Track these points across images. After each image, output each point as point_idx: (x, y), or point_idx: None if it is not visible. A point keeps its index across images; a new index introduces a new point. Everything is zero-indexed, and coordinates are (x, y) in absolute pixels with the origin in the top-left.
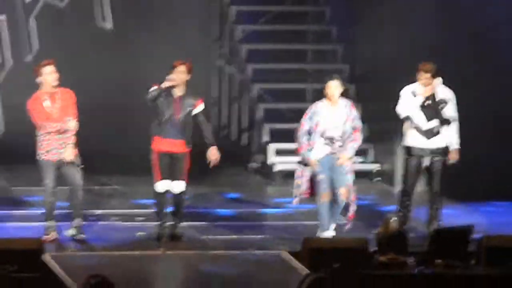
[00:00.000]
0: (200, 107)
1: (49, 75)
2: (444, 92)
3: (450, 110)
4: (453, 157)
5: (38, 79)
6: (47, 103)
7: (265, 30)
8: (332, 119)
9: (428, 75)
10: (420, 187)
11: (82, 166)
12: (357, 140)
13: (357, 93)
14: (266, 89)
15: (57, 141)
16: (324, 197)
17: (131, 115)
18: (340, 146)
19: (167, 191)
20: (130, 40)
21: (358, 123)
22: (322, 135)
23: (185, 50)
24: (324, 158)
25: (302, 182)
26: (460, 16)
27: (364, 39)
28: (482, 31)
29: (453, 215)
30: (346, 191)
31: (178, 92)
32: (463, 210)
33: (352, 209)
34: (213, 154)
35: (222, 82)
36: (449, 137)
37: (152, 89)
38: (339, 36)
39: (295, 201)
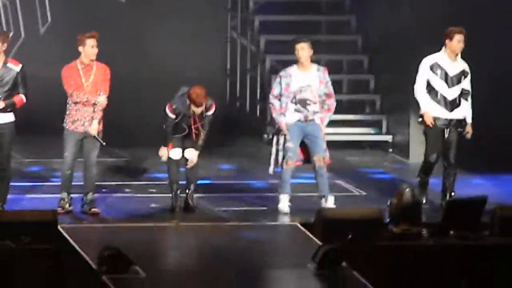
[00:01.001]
0: (212, 111)
1: (90, 47)
2: (463, 64)
3: (468, 83)
4: (469, 131)
5: (80, 48)
6: (82, 74)
7: (278, 1)
8: (304, 81)
9: (463, 37)
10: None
11: (105, 143)
12: (331, 109)
13: (370, 64)
14: (279, 61)
15: (84, 113)
16: (289, 164)
17: (144, 87)
18: (315, 112)
19: (179, 160)
20: (143, 12)
21: (331, 89)
22: (293, 99)
23: (198, 21)
24: (295, 125)
25: (277, 149)
26: None
27: (378, 9)
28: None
29: (471, 186)
30: (322, 158)
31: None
32: (481, 180)
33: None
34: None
35: (235, 54)
36: (465, 110)
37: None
38: (352, 6)
39: (270, 169)
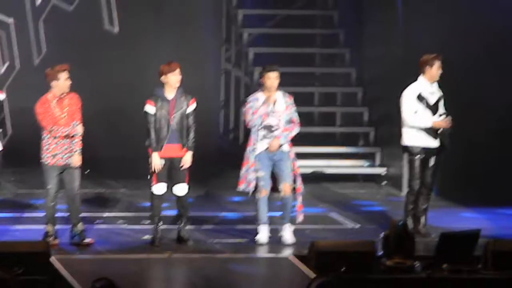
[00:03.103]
0: (192, 106)
1: (64, 80)
2: (438, 89)
3: (442, 106)
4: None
5: (53, 83)
6: (55, 108)
7: (273, 33)
8: (270, 107)
9: (441, 63)
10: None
11: (88, 171)
12: (292, 130)
13: (364, 96)
14: None
15: (64, 145)
16: (262, 193)
17: (137, 118)
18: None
19: (163, 195)
20: (136, 44)
21: (295, 115)
22: (260, 125)
23: (192, 53)
24: (263, 153)
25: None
26: (468, 16)
27: (372, 42)
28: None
29: (461, 219)
30: (288, 186)
31: (172, 94)
32: (471, 214)
33: (299, 201)
34: (186, 160)
35: (229, 86)
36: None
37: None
38: (346, 39)
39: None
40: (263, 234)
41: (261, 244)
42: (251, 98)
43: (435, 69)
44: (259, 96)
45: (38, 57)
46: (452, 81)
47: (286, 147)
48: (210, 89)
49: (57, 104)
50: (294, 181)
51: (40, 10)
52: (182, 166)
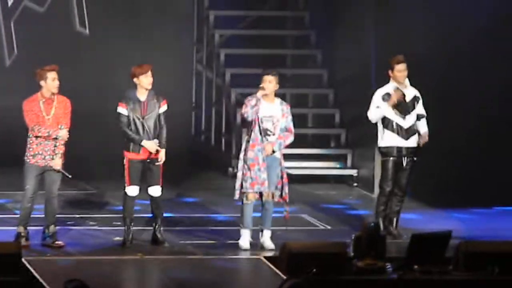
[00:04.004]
0: (164, 107)
1: (52, 80)
2: (413, 90)
3: (421, 107)
4: (424, 139)
5: (41, 82)
6: (42, 108)
7: (244, 35)
8: (268, 111)
9: (405, 65)
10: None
11: (71, 176)
12: (287, 138)
13: (335, 98)
14: (245, 94)
15: (46, 147)
16: (249, 197)
17: (108, 120)
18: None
19: (136, 197)
20: (107, 45)
21: (291, 124)
22: (259, 125)
23: (163, 55)
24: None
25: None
26: (443, 18)
27: (343, 44)
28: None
29: (432, 221)
30: (271, 193)
31: (144, 95)
32: (440, 216)
33: (286, 209)
34: (160, 156)
35: (201, 87)
36: (420, 125)
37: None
38: (318, 41)
39: (236, 195)
40: (245, 239)
41: (245, 249)
42: (250, 97)
43: (396, 73)
44: (260, 99)
45: (9, 58)
46: (427, 83)
47: (278, 154)
48: (181, 90)
49: (44, 105)
50: (282, 189)
51: (11, 11)
52: (156, 165)
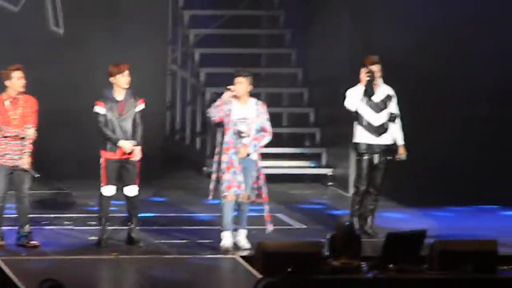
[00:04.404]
0: (140, 106)
1: (17, 80)
2: (387, 89)
3: (394, 106)
4: (402, 153)
5: (6, 82)
6: (8, 108)
7: (219, 34)
8: (241, 113)
9: (379, 66)
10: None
11: (39, 175)
12: (262, 139)
13: (310, 97)
14: (220, 93)
15: (13, 146)
16: (228, 198)
17: (84, 120)
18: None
19: (112, 196)
20: (82, 45)
21: (268, 124)
22: (233, 127)
23: (138, 55)
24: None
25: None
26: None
27: (318, 43)
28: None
29: (406, 220)
30: (247, 196)
31: (121, 95)
32: (416, 215)
33: (266, 210)
34: (135, 154)
35: (176, 87)
36: (395, 133)
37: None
38: (292, 40)
39: (210, 195)
40: (227, 240)
41: (226, 250)
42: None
43: (363, 72)
44: (233, 101)
45: None
46: (404, 82)
47: (254, 156)
48: (156, 90)
49: (11, 104)
50: (260, 189)
51: None
52: (133, 165)
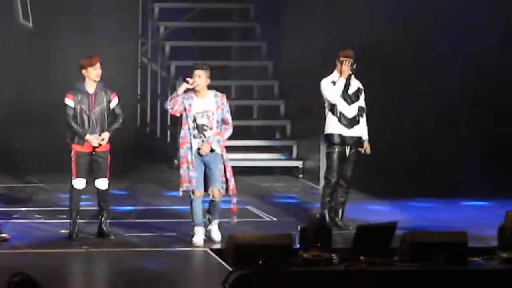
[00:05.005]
0: (115, 100)
1: None
2: (358, 82)
3: (363, 101)
4: (367, 148)
5: None
6: None
7: (189, 27)
8: (202, 107)
9: (351, 60)
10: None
11: None
12: (225, 133)
13: (280, 89)
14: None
15: None
16: (196, 193)
17: (54, 112)
18: (210, 137)
19: (83, 190)
20: (52, 38)
21: (228, 115)
22: (193, 122)
23: (108, 47)
24: (195, 153)
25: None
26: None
27: (288, 36)
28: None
29: (377, 212)
30: (217, 191)
31: (92, 88)
32: (387, 207)
33: (233, 202)
34: (103, 137)
35: (146, 80)
36: (362, 128)
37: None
38: (263, 33)
39: (180, 192)
40: (198, 236)
41: (199, 246)
42: (184, 95)
43: (340, 65)
44: (192, 94)
45: None
46: (373, 75)
47: (218, 150)
48: (126, 83)
49: None
50: (227, 182)
51: None
52: (103, 157)
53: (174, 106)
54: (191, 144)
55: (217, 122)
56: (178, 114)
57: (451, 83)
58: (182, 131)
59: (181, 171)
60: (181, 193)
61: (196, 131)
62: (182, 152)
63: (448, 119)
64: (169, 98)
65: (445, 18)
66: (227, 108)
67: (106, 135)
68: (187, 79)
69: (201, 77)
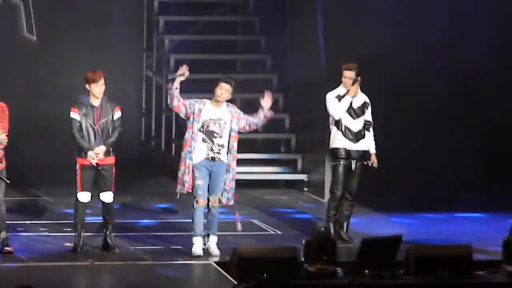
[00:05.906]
0: (118, 113)
1: None
2: (364, 96)
3: (369, 114)
4: (374, 161)
5: None
6: None
7: (194, 40)
8: (215, 114)
9: (353, 73)
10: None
11: (8, 181)
12: (234, 146)
13: (285, 103)
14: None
15: None
16: (199, 202)
17: (59, 125)
18: (220, 146)
19: (87, 203)
20: (56, 51)
21: (244, 115)
22: (202, 128)
23: (113, 61)
24: (203, 161)
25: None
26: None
27: (293, 49)
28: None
29: (381, 225)
30: (217, 199)
31: (97, 101)
32: (391, 220)
33: (237, 216)
34: (100, 149)
35: (151, 93)
36: (369, 142)
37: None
38: (268, 46)
39: (177, 195)
40: (197, 246)
41: (198, 256)
42: (196, 99)
43: (343, 79)
44: (206, 101)
45: None
46: (377, 88)
47: (225, 159)
48: (131, 96)
49: None
50: (232, 191)
51: None
52: (108, 171)
53: (172, 101)
54: (191, 148)
55: (232, 130)
56: (180, 114)
57: (445, 94)
58: (186, 134)
59: (179, 173)
60: (176, 195)
61: (205, 136)
62: (182, 154)
63: (450, 133)
64: (168, 93)
65: (441, 31)
66: (239, 111)
67: (101, 149)
68: (178, 72)
69: (226, 92)
